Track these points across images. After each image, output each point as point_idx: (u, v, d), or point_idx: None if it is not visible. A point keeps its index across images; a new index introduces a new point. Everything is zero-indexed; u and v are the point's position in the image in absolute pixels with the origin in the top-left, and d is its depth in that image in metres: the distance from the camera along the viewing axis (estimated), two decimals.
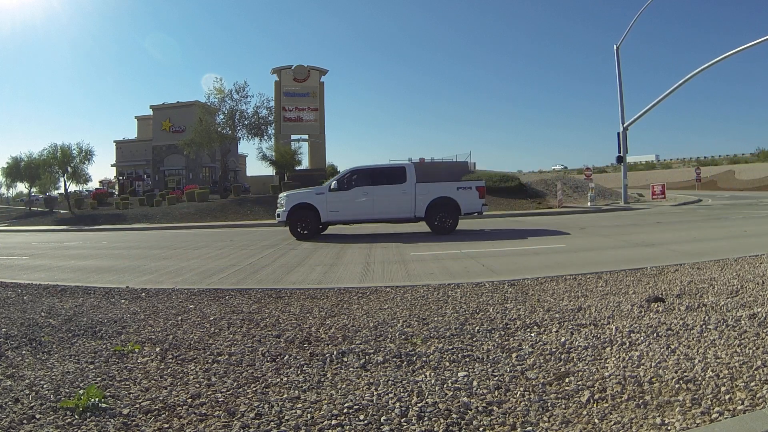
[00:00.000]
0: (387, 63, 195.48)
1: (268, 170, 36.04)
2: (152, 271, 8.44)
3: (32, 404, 2.68)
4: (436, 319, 4.36)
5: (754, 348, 3.20)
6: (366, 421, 2.42)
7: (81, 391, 2.76)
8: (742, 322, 3.79)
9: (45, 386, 2.94)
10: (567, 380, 2.85)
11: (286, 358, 3.45)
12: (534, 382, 2.84)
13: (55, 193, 40.14)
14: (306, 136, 37.52)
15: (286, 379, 3.05)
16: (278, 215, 12.73)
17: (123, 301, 5.64)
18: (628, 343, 3.44)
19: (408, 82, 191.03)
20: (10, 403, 2.69)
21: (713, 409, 2.42)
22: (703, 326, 3.72)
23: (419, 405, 2.58)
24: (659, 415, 2.38)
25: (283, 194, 13.06)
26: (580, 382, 2.81)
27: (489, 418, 2.44)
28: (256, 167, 51.74)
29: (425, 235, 13.01)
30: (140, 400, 2.74)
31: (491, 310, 4.57)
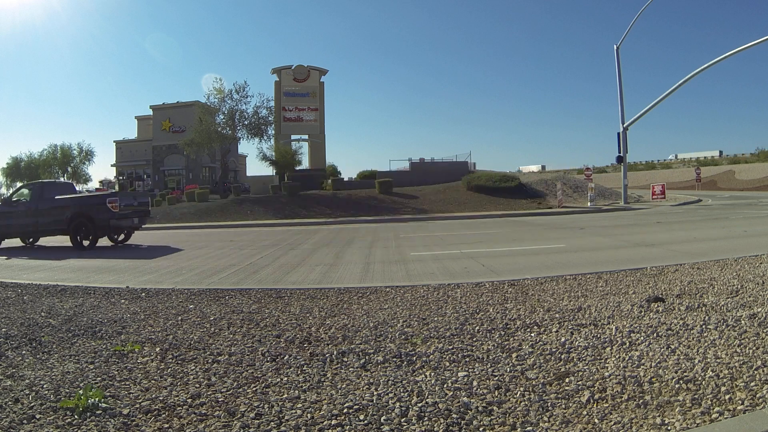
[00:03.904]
0: (387, 63, 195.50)
1: (268, 170, 36.07)
2: (152, 271, 8.44)
3: (32, 404, 2.68)
4: (436, 319, 4.35)
5: (754, 348, 3.20)
6: (366, 421, 2.42)
7: (81, 391, 2.76)
8: (742, 322, 3.79)
9: (45, 386, 2.93)
10: (567, 380, 2.85)
11: (286, 358, 3.45)
12: (534, 382, 2.84)
13: None
14: (306, 136, 37.53)
15: (286, 379, 3.05)
16: None
17: (123, 301, 5.64)
18: (628, 343, 3.44)
19: (408, 81, 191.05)
20: (10, 403, 2.69)
21: (713, 409, 2.41)
22: (703, 326, 3.72)
23: (419, 405, 2.58)
24: (659, 415, 2.38)
25: None
26: (580, 382, 2.81)
27: (489, 418, 2.44)
28: (256, 167, 51.78)
29: (425, 236, 13.01)
30: (140, 400, 2.74)
31: (491, 310, 4.57)
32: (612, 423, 2.34)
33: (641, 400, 2.54)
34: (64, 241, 13.20)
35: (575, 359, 3.20)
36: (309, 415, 2.51)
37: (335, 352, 3.51)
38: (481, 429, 2.35)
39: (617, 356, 3.21)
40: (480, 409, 2.53)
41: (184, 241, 14.84)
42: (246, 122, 31.42)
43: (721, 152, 70.72)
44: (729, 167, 51.67)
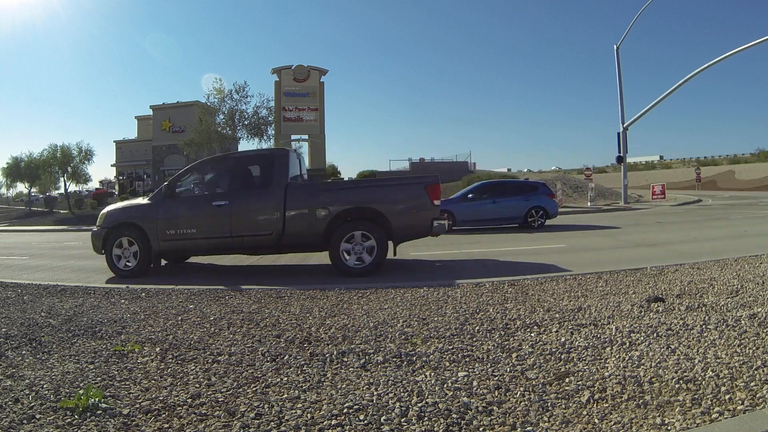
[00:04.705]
0: (387, 63, 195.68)
1: None
2: (152, 271, 8.44)
3: (32, 404, 2.68)
4: (436, 319, 4.35)
5: (754, 348, 3.20)
6: (366, 421, 2.42)
7: (81, 391, 2.76)
8: (742, 322, 3.79)
9: (45, 386, 2.93)
10: (567, 380, 2.85)
11: (286, 358, 3.44)
12: (534, 382, 2.84)
13: (55, 193, 40.21)
14: (306, 136, 37.55)
15: (286, 379, 3.05)
16: None
17: (123, 301, 5.64)
18: (628, 343, 3.44)
19: (408, 81, 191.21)
20: (10, 403, 2.69)
21: (713, 409, 2.41)
22: (703, 326, 3.72)
23: (419, 405, 2.58)
24: (659, 415, 2.38)
25: None
26: (580, 382, 2.81)
27: (489, 418, 2.44)
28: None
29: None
30: (140, 400, 2.73)
31: (491, 310, 4.57)
32: (612, 423, 2.34)
33: (641, 400, 2.54)
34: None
35: (575, 359, 3.20)
36: (309, 415, 2.51)
37: (335, 352, 3.50)
38: (481, 429, 2.35)
39: (617, 356, 3.21)
40: (480, 409, 2.53)
41: None
42: (246, 122, 31.40)
43: (661, 156, 71.49)
44: (729, 167, 51.71)
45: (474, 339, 3.73)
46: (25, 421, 2.48)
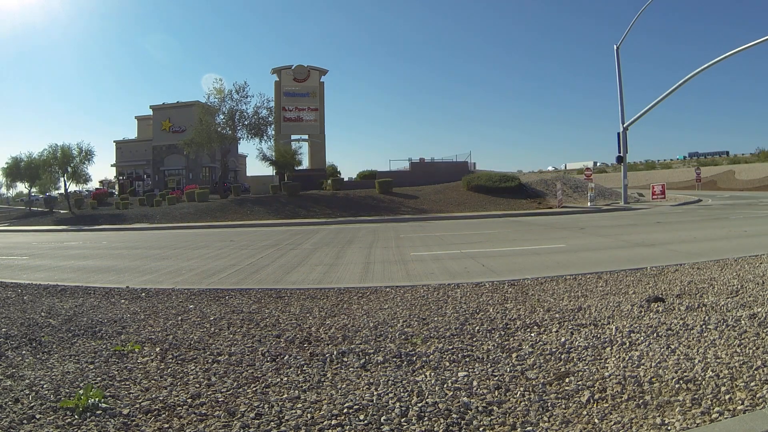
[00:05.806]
0: (388, 60, 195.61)
1: (268, 170, 36.04)
2: (152, 271, 8.44)
3: (32, 404, 2.68)
4: (436, 319, 4.35)
5: (754, 348, 3.20)
6: (366, 421, 2.42)
7: (81, 391, 2.76)
8: (742, 322, 3.79)
9: (45, 386, 2.93)
10: (567, 380, 2.85)
11: (286, 358, 3.45)
12: (534, 382, 2.84)
13: (55, 193, 40.15)
14: (306, 136, 37.52)
15: (286, 379, 3.05)
16: None
17: (123, 301, 5.64)
18: (628, 343, 3.44)
19: (409, 79, 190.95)
20: (10, 403, 2.69)
21: (713, 409, 2.41)
22: (703, 326, 3.72)
23: (419, 405, 2.58)
24: (659, 415, 2.38)
25: None
26: (580, 382, 2.81)
27: (489, 418, 2.44)
28: (256, 167, 51.83)
29: (425, 236, 13.01)
30: (140, 400, 2.74)
31: (491, 310, 4.57)
32: (612, 423, 2.34)
33: (641, 400, 2.54)
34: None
35: (575, 359, 3.20)
36: (309, 415, 2.51)
37: (335, 352, 3.50)
38: (481, 429, 2.35)
39: (617, 356, 3.21)
40: (480, 409, 2.53)
41: (184, 240, 14.83)
42: (246, 122, 31.38)
43: (595, 163, 71.57)
44: (729, 167, 51.66)
45: (474, 339, 3.73)
46: (25, 421, 2.48)
